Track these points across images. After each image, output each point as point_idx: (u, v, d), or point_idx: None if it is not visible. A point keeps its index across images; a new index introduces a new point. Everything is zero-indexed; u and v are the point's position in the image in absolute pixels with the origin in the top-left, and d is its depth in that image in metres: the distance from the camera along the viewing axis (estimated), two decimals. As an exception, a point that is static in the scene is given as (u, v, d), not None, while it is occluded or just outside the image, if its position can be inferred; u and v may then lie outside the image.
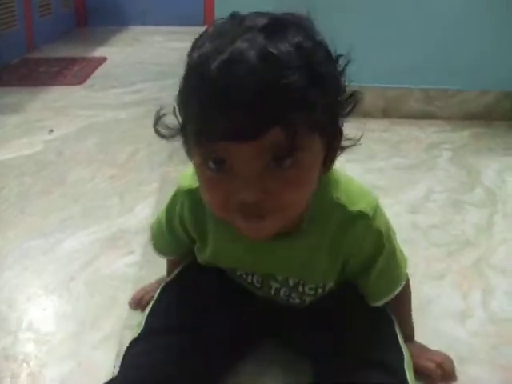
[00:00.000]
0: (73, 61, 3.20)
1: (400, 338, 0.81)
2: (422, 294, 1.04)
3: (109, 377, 0.79)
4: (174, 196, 0.82)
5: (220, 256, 0.81)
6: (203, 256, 0.83)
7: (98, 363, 0.87)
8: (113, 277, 1.09)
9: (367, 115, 2.11)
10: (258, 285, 0.83)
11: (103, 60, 3.24)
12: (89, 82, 2.73)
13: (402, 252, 0.83)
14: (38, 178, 1.57)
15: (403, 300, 0.86)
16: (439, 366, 0.85)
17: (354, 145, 0.67)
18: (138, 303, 0.99)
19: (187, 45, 0.63)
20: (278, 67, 0.55)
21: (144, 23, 4.79)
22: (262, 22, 0.58)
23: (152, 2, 4.86)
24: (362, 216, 0.72)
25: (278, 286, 0.82)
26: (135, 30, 4.55)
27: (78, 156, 1.75)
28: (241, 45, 0.55)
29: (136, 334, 0.80)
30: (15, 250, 1.20)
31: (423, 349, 0.88)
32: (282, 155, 0.58)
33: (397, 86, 2.18)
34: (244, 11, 0.68)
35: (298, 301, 0.83)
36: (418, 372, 0.81)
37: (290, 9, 0.64)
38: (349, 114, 0.66)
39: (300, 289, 0.81)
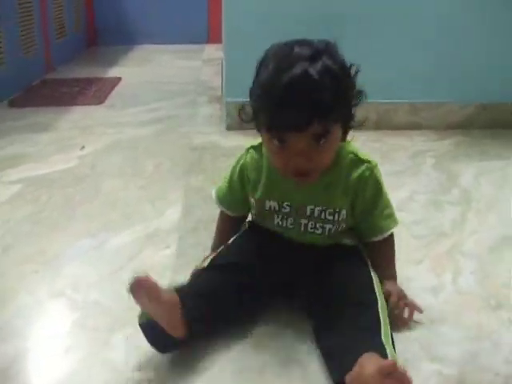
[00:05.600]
0: (90, 81, 3.47)
1: (377, 291, 1.08)
2: (404, 275, 1.28)
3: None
4: (239, 157, 1.20)
5: (269, 191, 1.14)
6: (256, 195, 1.16)
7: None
8: (154, 266, 1.35)
9: (361, 128, 2.37)
10: (292, 226, 1.14)
11: (118, 80, 3.51)
12: (108, 101, 3.00)
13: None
14: (79, 188, 1.83)
15: (391, 242, 1.18)
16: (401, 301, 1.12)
17: (361, 125, 1.07)
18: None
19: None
20: (318, 88, 0.93)
21: (151, 42, 5.06)
22: (306, 52, 0.95)
23: (158, 21, 5.13)
24: (367, 162, 1.10)
25: (306, 221, 1.13)
26: (143, 49, 4.83)
27: (109, 169, 2.01)
28: (295, 71, 0.92)
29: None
30: (71, 248, 1.45)
31: (399, 291, 1.15)
32: (319, 137, 0.97)
33: (387, 100, 2.44)
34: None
35: (320, 230, 1.13)
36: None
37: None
38: (358, 104, 1.04)
39: (323, 215, 1.11)
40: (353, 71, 1.03)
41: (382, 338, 0.97)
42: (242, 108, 1.08)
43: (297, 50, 0.96)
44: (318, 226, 1.13)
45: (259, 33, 2.25)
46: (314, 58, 0.94)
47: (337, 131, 1.00)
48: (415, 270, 1.34)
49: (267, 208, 1.15)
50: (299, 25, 2.29)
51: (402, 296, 1.14)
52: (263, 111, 0.99)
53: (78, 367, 1.02)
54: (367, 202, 1.12)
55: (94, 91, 3.22)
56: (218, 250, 1.20)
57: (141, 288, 0.95)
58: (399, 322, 1.11)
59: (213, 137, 2.34)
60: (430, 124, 2.46)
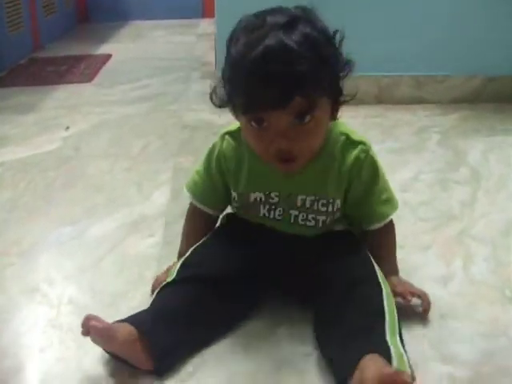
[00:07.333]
0: (79, 59, 3.34)
1: (380, 277, 0.96)
2: (410, 263, 1.17)
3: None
4: (213, 145, 1.06)
5: (254, 182, 1.01)
6: (238, 188, 1.03)
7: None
8: (138, 256, 1.24)
9: (361, 102, 2.25)
10: (280, 217, 1.02)
11: (108, 57, 3.38)
12: (97, 79, 2.87)
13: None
14: (61, 172, 1.72)
15: (390, 231, 1.06)
16: (413, 295, 1.01)
17: (352, 99, 0.93)
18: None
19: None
20: (297, 57, 0.82)
21: (144, 18, 4.91)
22: (280, 20, 0.85)
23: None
24: (361, 143, 0.98)
25: (297, 213, 1.01)
26: (136, 25, 4.68)
27: (94, 150, 1.90)
28: (269, 41, 0.82)
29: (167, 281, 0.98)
30: (49, 236, 1.34)
31: (405, 282, 1.04)
32: (303, 114, 0.85)
33: (389, 73, 2.32)
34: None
35: (313, 222, 1.01)
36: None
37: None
38: (346, 76, 0.92)
39: (315, 206, 1.00)
40: (337, 38, 0.90)
41: (387, 334, 0.86)
42: (213, 90, 0.97)
43: (269, 19, 0.86)
44: (310, 217, 1.01)
45: (251, 7, 2.12)
46: (289, 26, 0.84)
47: (324, 107, 0.89)
48: (423, 256, 1.23)
49: (252, 200, 1.03)
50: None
51: (408, 286, 1.03)
52: (236, 91, 0.89)
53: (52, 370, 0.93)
54: (363, 187, 1.01)
55: (82, 69, 3.09)
56: (186, 256, 1.04)
57: (93, 333, 0.88)
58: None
59: (205, 114, 2.18)
60: (434, 98, 2.34)
